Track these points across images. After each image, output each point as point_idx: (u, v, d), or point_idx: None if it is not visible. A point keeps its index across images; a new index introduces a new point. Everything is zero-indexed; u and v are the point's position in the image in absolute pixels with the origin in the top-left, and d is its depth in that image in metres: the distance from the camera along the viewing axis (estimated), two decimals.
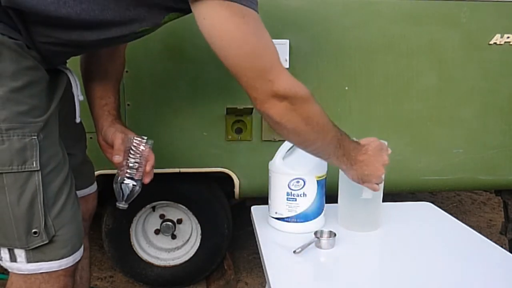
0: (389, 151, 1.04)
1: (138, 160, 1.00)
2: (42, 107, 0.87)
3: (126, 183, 1.00)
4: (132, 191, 1.00)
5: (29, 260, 0.86)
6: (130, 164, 1.00)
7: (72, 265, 0.91)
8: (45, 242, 0.85)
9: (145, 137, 1.01)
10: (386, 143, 1.04)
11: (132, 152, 1.00)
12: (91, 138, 1.20)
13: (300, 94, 0.85)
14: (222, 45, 0.82)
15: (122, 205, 1.02)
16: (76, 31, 0.86)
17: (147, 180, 1.02)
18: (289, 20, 1.56)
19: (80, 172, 1.14)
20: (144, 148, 1.00)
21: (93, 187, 1.22)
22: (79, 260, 0.95)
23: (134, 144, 1.00)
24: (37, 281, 0.88)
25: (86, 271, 1.24)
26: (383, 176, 1.01)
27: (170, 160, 1.59)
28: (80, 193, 1.15)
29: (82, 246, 0.95)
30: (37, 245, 0.85)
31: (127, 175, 1.00)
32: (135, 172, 1.00)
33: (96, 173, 1.31)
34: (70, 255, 0.90)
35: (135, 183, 1.00)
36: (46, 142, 0.86)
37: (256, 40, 0.82)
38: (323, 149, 0.95)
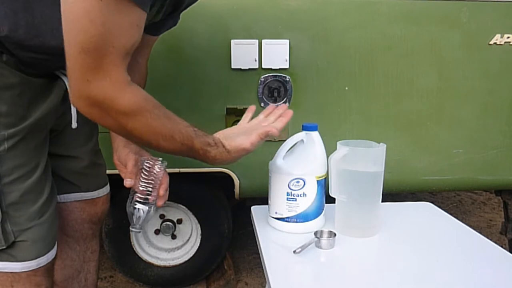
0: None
1: (151, 183, 0.95)
2: (12, 114, 0.85)
3: (138, 208, 0.95)
4: (145, 215, 0.96)
5: None
6: (142, 188, 0.95)
7: (36, 268, 0.91)
8: (3, 247, 0.86)
9: (160, 159, 0.97)
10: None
11: (144, 174, 0.95)
12: None
13: (119, 107, 0.75)
14: (64, 21, 0.70)
15: (135, 229, 0.97)
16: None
17: (160, 203, 0.98)
18: (289, 20, 1.56)
19: (86, 174, 1.13)
20: (158, 170, 0.96)
21: (103, 191, 1.19)
22: (49, 263, 0.94)
23: (147, 167, 0.95)
24: (9, 279, 0.89)
25: (93, 274, 1.23)
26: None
27: (170, 160, 1.59)
28: (87, 195, 1.14)
29: (53, 251, 0.95)
30: None
31: (139, 199, 0.95)
32: (148, 196, 0.95)
33: None
34: (32, 259, 0.90)
35: (147, 207, 0.96)
36: (12, 152, 0.85)
37: (98, 32, 0.69)
38: (168, 152, 0.88)
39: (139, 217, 0.96)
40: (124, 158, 1.00)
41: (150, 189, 0.96)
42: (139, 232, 0.99)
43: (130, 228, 0.98)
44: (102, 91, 0.73)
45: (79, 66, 0.71)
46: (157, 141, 0.82)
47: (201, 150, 0.89)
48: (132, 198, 0.97)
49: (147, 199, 0.96)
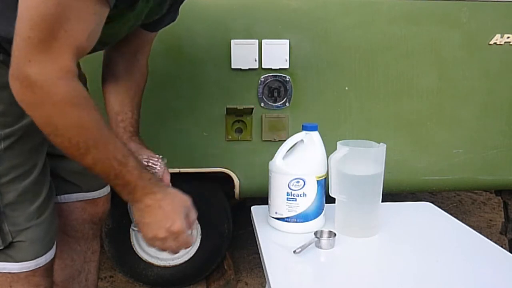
0: (191, 233, 0.87)
1: None
2: (9, 114, 0.84)
3: None
4: None
5: None
6: None
7: (34, 269, 0.90)
8: (1, 248, 0.86)
9: (159, 156, 0.96)
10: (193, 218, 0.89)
11: None
12: None
13: (56, 96, 0.68)
14: None
15: (137, 228, 0.95)
16: None
17: None
18: (289, 20, 1.56)
19: (87, 175, 1.11)
20: (158, 168, 0.95)
21: (103, 191, 1.19)
22: (48, 263, 0.94)
23: (146, 165, 0.94)
24: (8, 280, 0.89)
25: (93, 274, 1.23)
26: (164, 244, 0.85)
27: (170, 160, 1.58)
28: (88, 195, 1.14)
29: (52, 251, 0.95)
30: None
31: None
32: None
33: None
34: (31, 260, 0.90)
35: None
36: (9, 152, 0.85)
37: (51, 11, 0.65)
38: (86, 167, 0.77)
39: None
40: None
41: None
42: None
43: (132, 227, 0.97)
44: (42, 74, 0.67)
45: (24, 43, 0.66)
46: (86, 144, 0.73)
47: (136, 170, 0.79)
48: None
49: None
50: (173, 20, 1.07)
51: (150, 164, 0.95)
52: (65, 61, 0.68)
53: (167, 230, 0.83)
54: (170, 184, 0.99)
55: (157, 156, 0.97)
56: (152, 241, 0.86)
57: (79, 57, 0.71)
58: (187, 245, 0.88)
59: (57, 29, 0.66)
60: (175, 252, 0.88)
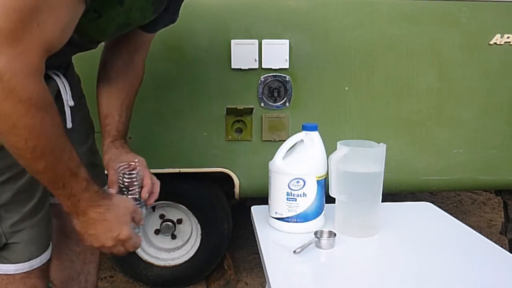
0: (135, 238, 0.87)
1: (131, 188, 0.94)
2: None
3: None
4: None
5: None
6: (130, 196, 0.94)
7: (29, 270, 0.90)
8: None
9: (136, 161, 0.95)
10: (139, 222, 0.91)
11: (124, 180, 0.94)
12: None
13: (23, 95, 0.65)
14: None
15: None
16: None
17: (150, 201, 0.97)
18: (289, 20, 1.56)
19: None
20: (134, 174, 0.94)
21: None
22: (43, 265, 0.93)
23: (125, 172, 0.94)
24: (4, 281, 0.88)
25: (93, 275, 1.23)
26: (112, 249, 0.86)
27: (170, 160, 1.59)
28: None
29: (47, 252, 0.94)
30: None
31: None
32: (135, 199, 0.94)
33: None
34: (25, 261, 0.89)
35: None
36: (4, 151, 0.80)
37: (24, 2, 0.63)
38: (34, 172, 0.75)
39: None
40: (106, 166, 1.00)
41: (134, 192, 0.95)
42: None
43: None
44: (11, 68, 0.63)
45: None
46: (43, 149, 0.70)
47: (85, 182, 0.78)
48: None
49: (135, 202, 0.94)
50: (173, 22, 1.06)
51: (126, 172, 0.94)
52: (34, 58, 0.66)
53: (115, 239, 0.84)
54: (159, 183, 0.98)
55: (135, 161, 0.96)
56: (100, 249, 0.86)
57: (49, 54, 0.69)
58: (136, 247, 0.90)
59: (29, 21, 0.64)
60: (124, 254, 0.90)
